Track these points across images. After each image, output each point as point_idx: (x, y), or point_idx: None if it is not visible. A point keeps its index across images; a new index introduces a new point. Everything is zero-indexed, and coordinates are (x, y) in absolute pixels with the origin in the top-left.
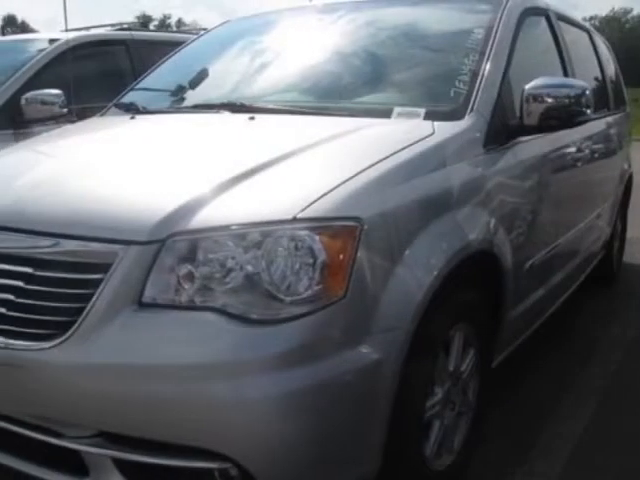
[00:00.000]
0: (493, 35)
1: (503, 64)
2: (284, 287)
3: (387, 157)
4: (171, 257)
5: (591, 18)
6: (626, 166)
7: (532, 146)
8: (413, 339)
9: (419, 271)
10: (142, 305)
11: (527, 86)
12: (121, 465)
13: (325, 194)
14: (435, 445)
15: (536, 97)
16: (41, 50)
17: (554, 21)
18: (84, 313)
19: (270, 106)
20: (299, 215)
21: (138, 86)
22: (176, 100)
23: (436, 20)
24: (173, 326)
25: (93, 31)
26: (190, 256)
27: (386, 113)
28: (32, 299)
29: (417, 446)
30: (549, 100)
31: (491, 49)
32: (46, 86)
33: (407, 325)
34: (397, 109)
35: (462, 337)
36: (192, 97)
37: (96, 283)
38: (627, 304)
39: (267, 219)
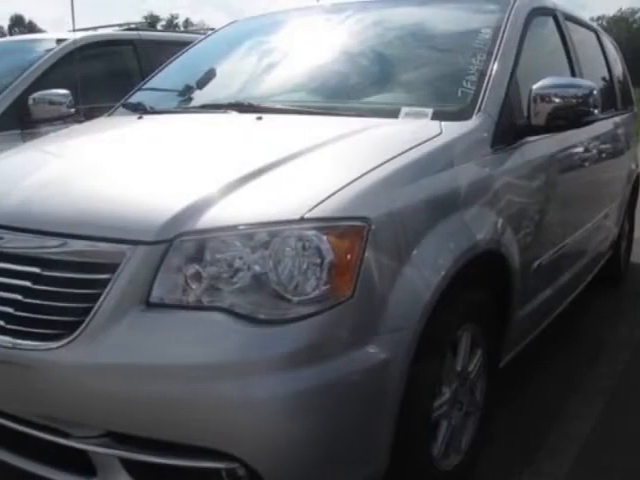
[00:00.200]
0: (501, 35)
1: (511, 64)
2: (291, 287)
3: (395, 157)
4: (179, 257)
5: (599, 18)
6: (634, 166)
7: (540, 146)
8: (420, 339)
9: (427, 271)
10: (149, 305)
11: (535, 86)
12: (128, 465)
13: (333, 194)
14: (442, 445)
15: (544, 97)
16: (49, 50)
17: (562, 21)
18: (91, 313)
19: (278, 106)
20: (307, 215)
21: (146, 86)
22: (184, 100)
23: (443, 20)
24: (180, 326)
25: (101, 31)
26: (198, 256)
27: (394, 113)
28: (40, 299)
29: (424, 446)
30: (557, 100)
31: (499, 49)
32: (54, 86)
33: (414, 325)
34: (405, 109)
35: (469, 337)
36: (200, 97)
37: (104, 283)
38: (634, 304)
39: (275, 219)
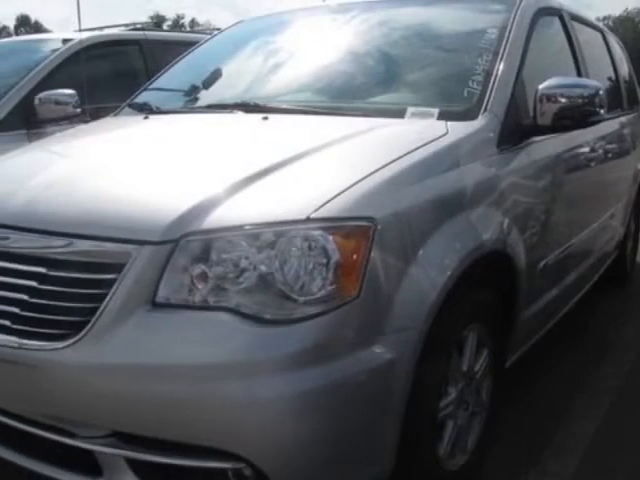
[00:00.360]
0: (507, 35)
1: (516, 64)
2: (297, 287)
3: (401, 157)
4: (185, 257)
5: (604, 18)
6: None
7: (545, 146)
8: (426, 339)
9: (433, 271)
10: (155, 305)
11: (541, 86)
12: (134, 465)
13: (339, 194)
14: (448, 445)
15: (550, 97)
16: (55, 50)
17: (567, 21)
18: (97, 313)
19: (284, 106)
20: (312, 215)
21: (151, 86)
22: (189, 100)
23: (449, 20)
24: (186, 326)
25: (107, 31)
26: (204, 256)
27: (399, 113)
28: (46, 299)
29: (430, 446)
30: (562, 100)
31: (505, 49)
32: (59, 86)
33: (420, 325)
34: (411, 109)
35: (475, 337)
36: (205, 97)
37: (109, 283)
38: None
39: (281, 219)
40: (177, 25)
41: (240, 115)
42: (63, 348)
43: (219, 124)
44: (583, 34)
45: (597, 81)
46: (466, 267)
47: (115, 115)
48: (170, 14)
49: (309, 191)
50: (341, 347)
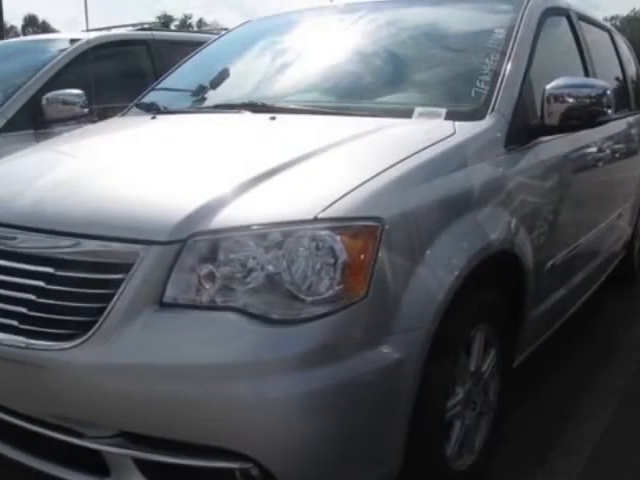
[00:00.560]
0: (514, 35)
1: (524, 64)
2: (305, 287)
3: (408, 157)
4: (192, 257)
5: (612, 18)
6: None
7: (553, 146)
8: (434, 339)
9: (440, 271)
10: (163, 305)
11: (548, 86)
12: (142, 465)
13: (346, 194)
14: (456, 445)
15: (557, 97)
16: (62, 50)
17: (575, 21)
18: (105, 313)
19: (291, 106)
20: (320, 215)
21: (159, 86)
22: (197, 100)
23: (457, 20)
24: (194, 326)
25: (114, 31)
26: (211, 256)
27: (407, 113)
28: (53, 299)
29: (438, 446)
30: (570, 100)
31: (512, 49)
32: (67, 86)
33: (428, 325)
34: (418, 109)
35: (483, 337)
36: (213, 97)
37: (117, 283)
38: None
39: (288, 219)
40: (184, 25)
41: (248, 115)
42: (70, 348)
43: (227, 124)
44: (591, 34)
45: (605, 81)
46: (474, 267)
47: (122, 115)
48: (178, 14)
49: (316, 191)
50: (349, 347)
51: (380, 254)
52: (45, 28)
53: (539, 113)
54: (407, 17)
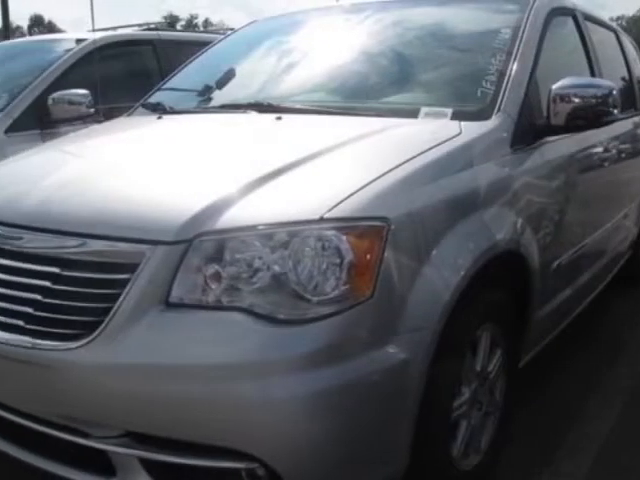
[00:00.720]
0: (520, 35)
1: (530, 64)
2: (311, 287)
3: (414, 157)
4: (198, 257)
5: (618, 18)
6: None
7: (559, 146)
8: (440, 339)
9: (446, 271)
10: (169, 305)
11: (554, 86)
12: (148, 465)
13: (352, 194)
14: (462, 445)
15: (563, 97)
16: (68, 50)
17: (581, 21)
18: (111, 313)
19: (297, 106)
20: (326, 215)
21: (165, 86)
22: (203, 100)
23: (463, 20)
24: (200, 326)
25: (120, 31)
26: (217, 256)
27: (413, 113)
28: (59, 299)
29: (444, 446)
30: (576, 100)
31: (518, 49)
32: (73, 86)
33: (434, 325)
34: (424, 109)
35: (489, 337)
36: (219, 97)
37: (123, 283)
38: None
39: (294, 219)
40: (190, 25)
41: (254, 115)
42: (76, 348)
43: (232, 124)
44: (596, 34)
45: (611, 81)
46: (480, 267)
47: (128, 115)
48: (183, 14)
49: (323, 191)
50: (355, 347)
51: (386, 254)
52: (51, 28)
53: (545, 113)
54: (413, 17)
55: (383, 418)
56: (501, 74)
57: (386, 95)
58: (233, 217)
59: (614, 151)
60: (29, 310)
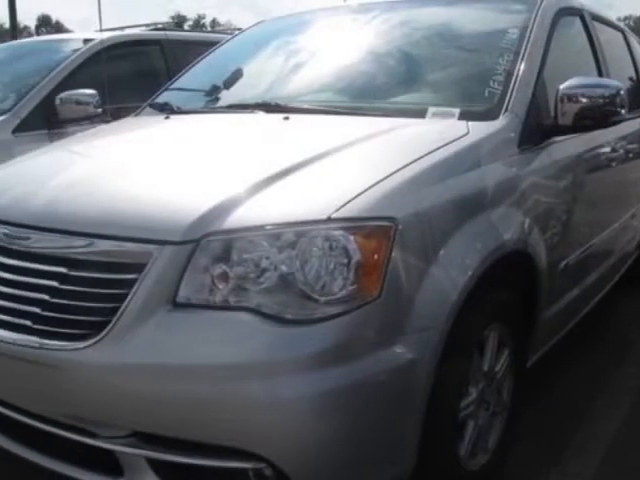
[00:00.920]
0: (528, 35)
1: (537, 64)
2: (318, 287)
3: (422, 157)
4: (205, 257)
5: (625, 18)
6: None
7: (566, 146)
8: (447, 339)
9: (454, 271)
10: (176, 305)
11: (561, 86)
12: (155, 465)
13: (360, 194)
14: (469, 445)
15: (570, 97)
16: (75, 50)
17: (588, 21)
18: (118, 313)
19: (305, 106)
20: (333, 215)
21: (172, 86)
22: (210, 100)
23: (470, 20)
24: (207, 326)
25: (127, 31)
26: (224, 256)
27: (420, 113)
28: (66, 299)
29: (451, 446)
30: (583, 100)
31: (526, 49)
32: (80, 86)
33: (441, 325)
34: (431, 109)
35: (496, 337)
36: (226, 97)
37: (130, 283)
38: None
39: (301, 219)
40: (198, 25)
41: (261, 115)
42: (84, 348)
43: (240, 124)
44: (604, 34)
45: (618, 81)
46: (487, 267)
47: (136, 115)
48: (191, 14)
49: (330, 191)
50: (362, 347)
51: (393, 254)
52: (59, 28)
53: (552, 113)
54: (420, 17)
55: (390, 418)
56: (509, 74)
57: (393, 95)
58: (240, 217)
59: (622, 151)
60: (36, 310)
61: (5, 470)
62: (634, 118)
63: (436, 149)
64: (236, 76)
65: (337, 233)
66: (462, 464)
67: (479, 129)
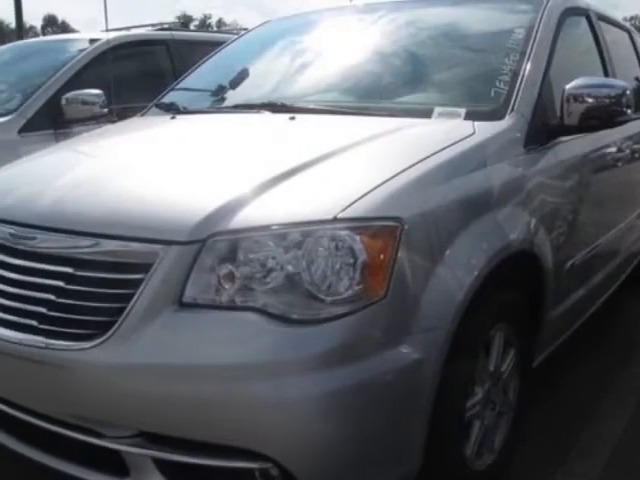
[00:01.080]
0: (534, 35)
1: (544, 64)
2: (325, 287)
3: (428, 157)
4: (212, 257)
5: (632, 18)
6: None
7: (572, 146)
8: (453, 339)
9: (460, 271)
10: (182, 305)
11: (567, 86)
12: (161, 465)
13: (366, 194)
14: (475, 445)
15: (577, 97)
16: (82, 50)
17: (594, 21)
18: (124, 313)
19: (311, 106)
20: (340, 215)
21: (178, 86)
22: (216, 100)
23: (476, 20)
24: (214, 326)
25: (134, 31)
26: (231, 256)
27: (427, 113)
28: (72, 299)
29: (457, 446)
30: (589, 100)
31: (532, 49)
32: (87, 86)
33: (448, 325)
34: (438, 109)
35: (502, 337)
36: (232, 97)
37: (136, 283)
38: None
39: (308, 219)
40: (204, 25)
41: (267, 115)
42: (90, 348)
43: (246, 124)
44: (610, 34)
45: (624, 81)
46: (493, 267)
47: (142, 115)
48: (197, 14)
49: (336, 191)
50: (368, 347)
51: (399, 254)
52: (64, 28)
53: (558, 113)
54: (426, 17)
55: (396, 418)
56: (514, 74)
57: (399, 95)
58: (247, 217)
59: (628, 151)
60: (42, 310)
61: (11, 470)
62: None
63: (442, 149)
64: (242, 76)
65: (343, 233)
66: (468, 464)
67: (485, 129)
